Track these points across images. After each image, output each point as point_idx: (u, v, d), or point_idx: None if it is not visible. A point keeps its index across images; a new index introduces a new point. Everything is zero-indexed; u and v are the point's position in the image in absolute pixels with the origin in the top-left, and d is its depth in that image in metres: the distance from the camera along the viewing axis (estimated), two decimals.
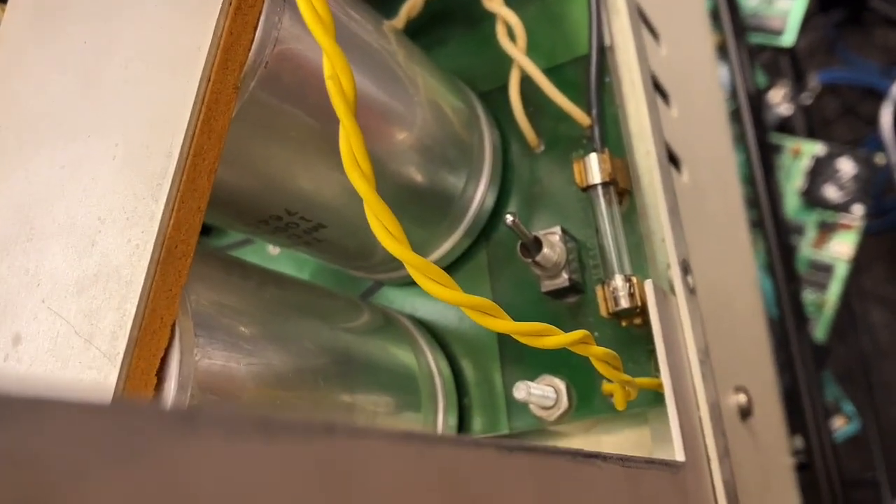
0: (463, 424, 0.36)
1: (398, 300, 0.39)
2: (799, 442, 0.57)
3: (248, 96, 0.26)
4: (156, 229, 0.23)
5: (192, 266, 0.24)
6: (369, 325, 0.34)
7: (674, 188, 0.36)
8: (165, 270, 0.23)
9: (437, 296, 0.23)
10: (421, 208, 0.35)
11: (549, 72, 0.37)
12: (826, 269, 0.68)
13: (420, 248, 0.36)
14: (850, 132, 0.73)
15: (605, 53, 0.36)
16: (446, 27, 0.40)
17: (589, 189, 0.34)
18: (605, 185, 0.33)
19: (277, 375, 0.28)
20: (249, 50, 0.25)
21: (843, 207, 0.70)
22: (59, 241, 0.25)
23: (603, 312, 0.32)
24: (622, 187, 0.34)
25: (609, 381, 0.29)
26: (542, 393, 0.33)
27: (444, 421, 0.35)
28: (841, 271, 0.68)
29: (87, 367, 0.23)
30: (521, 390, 0.32)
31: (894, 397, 0.64)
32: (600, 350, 0.26)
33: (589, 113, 0.35)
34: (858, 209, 0.69)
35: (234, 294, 0.28)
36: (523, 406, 0.34)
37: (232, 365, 0.26)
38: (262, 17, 0.25)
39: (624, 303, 0.32)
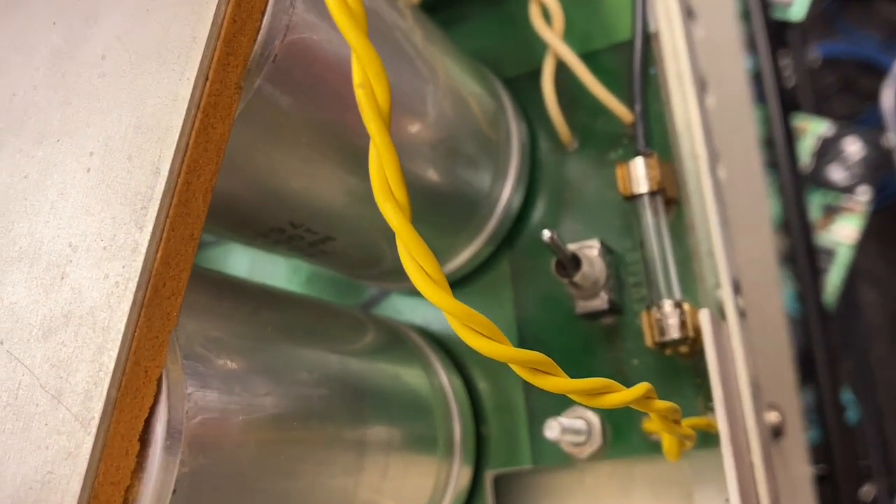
0: (481, 455, 0.32)
1: (407, 310, 0.35)
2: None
3: (253, 95, 0.21)
4: (140, 264, 0.19)
5: None
6: (377, 346, 0.30)
7: (723, 195, 0.32)
8: (151, 314, 0.19)
9: (484, 351, 0.19)
10: (440, 212, 0.31)
11: (584, 59, 0.32)
12: (828, 253, 0.65)
13: (439, 257, 0.32)
14: (847, 107, 0.69)
15: (649, 41, 0.32)
16: (467, 3, 0.36)
17: (633, 198, 0.29)
18: (651, 194, 0.29)
19: (280, 420, 0.23)
20: (255, 40, 0.21)
21: (849, 189, 0.67)
22: (21, 270, 0.20)
23: (648, 342, 0.28)
24: (670, 196, 0.30)
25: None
26: (574, 427, 0.29)
27: (461, 454, 0.31)
28: (844, 256, 0.65)
29: (54, 432, 0.19)
30: (553, 429, 0.28)
31: (881, 378, 0.61)
32: (664, 405, 0.23)
33: (631, 108, 0.31)
34: (864, 191, 0.66)
35: (228, 326, 0.24)
36: None
37: (229, 418, 0.22)
38: (272, 0, 0.21)
39: (674, 333, 0.28)
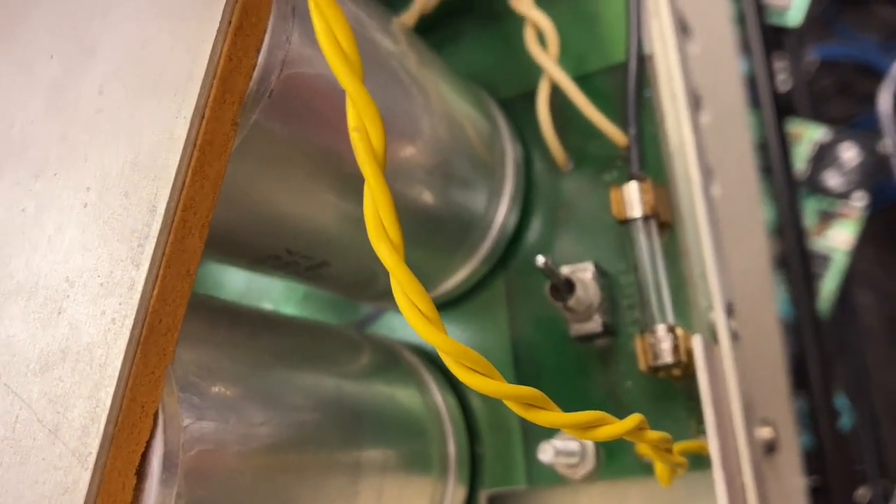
0: (475, 474, 0.32)
1: (402, 328, 0.35)
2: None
3: (249, 130, 0.22)
4: (136, 301, 0.19)
5: None
6: (373, 367, 0.30)
7: (717, 218, 0.32)
8: (147, 351, 0.19)
9: (477, 388, 0.19)
10: (435, 234, 0.31)
11: (579, 81, 0.33)
12: (823, 258, 0.65)
13: (433, 278, 0.32)
14: (843, 109, 0.70)
15: (644, 63, 0.32)
16: (461, 23, 0.36)
17: (627, 222, 0.30)
18: (645, 218, 0.29)
19: (276, 449, 0.24)
20: (251, 77, 0.21)
21: (845, 195, 0.67)
22: (18, 304, 0.21)
23: (642, 366, 0.29)
24: (664, 220, 0.30)
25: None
26: (568, 449, 0.30)
27: (455, 474, 0.31)
28: (839, 262, 0.65)
29: (51, 467, 0.19)
30: (547, 452, 0.29)
31: (878, 384, 0.62)
32: (655, 436, 0.23)
33: (626, 131, 0.31)
34: (860, 197, 0.66)
35: (223, 354, 0.24)
36: None
37: (225, 448, 0.22)
38: (268, 36, 0.21)
39: (667, 358, 0.28)
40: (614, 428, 0.21)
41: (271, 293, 0.37)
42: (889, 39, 0.70)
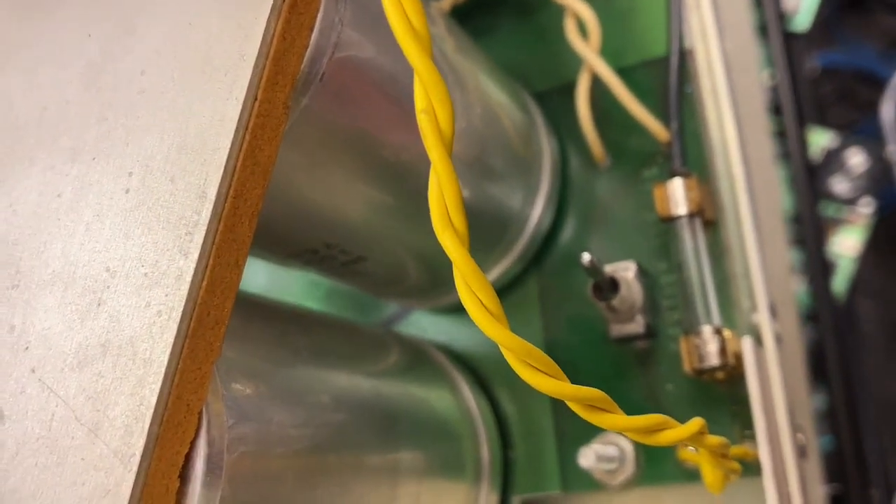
0: (508, 479, 0.31)
1: (431, 328, 0.34)
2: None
3: (298, 115, 0.20)
4: (185, 293, 0.18)
5: None
6: (405, 368, 0.29)
7: (760, 217, 0.31)
8: (195, 346, 0.18)
9: (542, 388, 0.18)
10: (472, 231, 0.30)
11: (617, 74, 0.32)
12: (829, 265, 0.64)
13: None
14: (844, 117, 0.69)
15: (685, 58, 0.31)
16: (496, 13, 0.35)
17: (671, 220, 0.29)
18: (690, 216, 0.28)
19: (317, 451, 0.23)
20: (303, 58, 0.20)
21: (852, 201, 0.66)
22: (55, 294, 0.19)
23: (686, 368, 0.28)
24: (708, 218, 0.29)
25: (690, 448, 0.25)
26: (607, 455, 0.29)
27: (488, 479, 0.30)
28: (846, 268, 0.64)
29: (91, 468, 0.18)
30: (588, 457, 0.28)
31: (877, 390, 0.61)
32: (715, 440, 0.22)
33: (667, 126, 0.30)
34: (866, 204, 0.65)
35: (261, 352, 0.23)
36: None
37: (268, 450, 0.21)
38: (320, 16, 0.20)
39: (713, 360, 0.27)
40: (677, 432, 0.20)
41: (293, 289, 0.36)
42: (890, 48, 0.70)
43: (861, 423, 0.57)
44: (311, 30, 0.20)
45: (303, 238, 0.25)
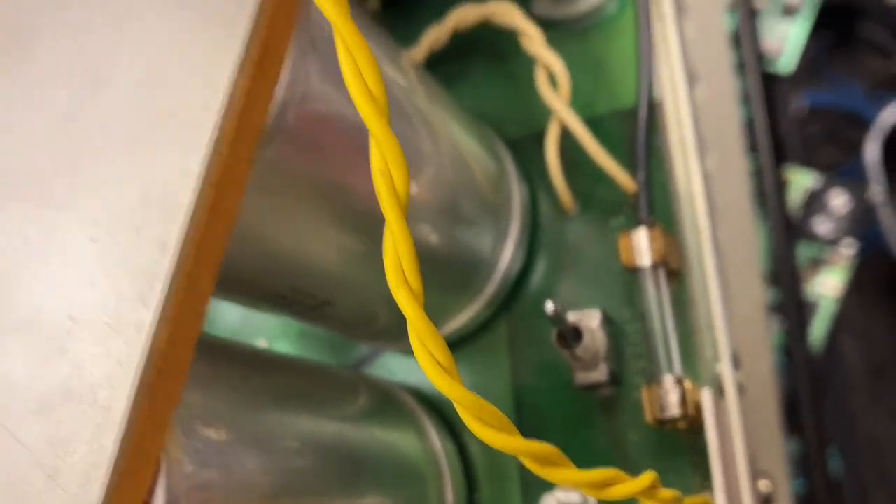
0: None
1: (400, 370, 0.34)
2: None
3: (262, 166, 0.21)
4: (144, 343, 0.18)
5: None
6: (372, 411, 0.30)
7: (724, 267, 0.31)
8: (154, 395, 0.18)
9: (492, 443, 0.19)
10: (439, 276, 0.30)
11: (587, 124, 0.32)
12: (811, 305, 0.65)
13: (436, 321, 0.31)
14: (831, 157, 0.70)
15: (654, 109, 0.31)
16: (471, 61, 0.36)
17: (636, 270, 0.29)
18: (654, 266, 0.29)
19: (279, 498, 0.23)
20: (267, 111, 0.20)
21: (834, 242, 0.67)
22: (19, 339, 0.20)
23: (648, 418, 0.28)
24: (672, 268, 0.30)
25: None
26: (569, 501, 0.29)
27: None
28: (827, 309, 0.65)
29: None
30: None
31: (860, 429, 0.61)
32: (668, 494, 0.22)
33: (634, 176, 0.31)
34: (849, 244, 0.66)
35: (222, 396, 0.23)
36: None
37: (229, 498, 0.21)
38: (287, 70, 0.21)
39: (674, 411, 0.27)
40: (629, 486, 0.21)
41: (266, 329, 0.36)
42: (876, 89, 0.71)
43: (844, 462, 0.57)
44: (276, 83, 0.20)
45: (269, 283, 0.25)
